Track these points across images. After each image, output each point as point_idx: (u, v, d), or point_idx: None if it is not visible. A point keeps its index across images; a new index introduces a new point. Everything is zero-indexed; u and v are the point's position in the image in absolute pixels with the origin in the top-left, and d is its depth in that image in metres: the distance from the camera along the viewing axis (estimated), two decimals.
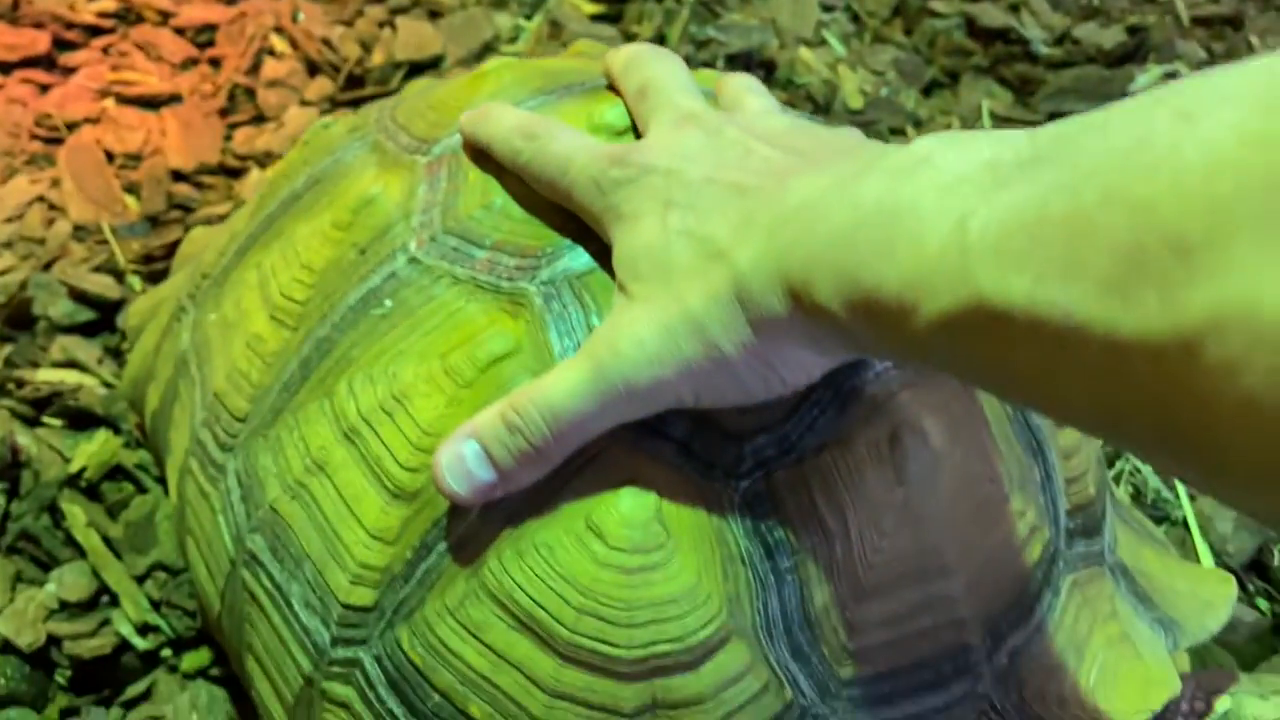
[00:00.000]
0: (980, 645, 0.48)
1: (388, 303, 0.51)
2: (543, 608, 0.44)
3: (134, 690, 0.66)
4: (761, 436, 0.46)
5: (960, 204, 0.32)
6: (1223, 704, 0.59)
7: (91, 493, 0.71)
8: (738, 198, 0.42)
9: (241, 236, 0.63)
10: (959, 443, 0.47)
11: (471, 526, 0.46)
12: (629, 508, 0.44)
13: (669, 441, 0.46)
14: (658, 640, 0.43)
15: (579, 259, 0.49)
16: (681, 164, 0.44)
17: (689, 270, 0.41)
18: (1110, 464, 0.82)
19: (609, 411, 0.43)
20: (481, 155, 0.53)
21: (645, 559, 0.43)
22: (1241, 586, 0.78)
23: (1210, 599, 0.58)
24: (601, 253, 0.48)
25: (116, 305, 0.89)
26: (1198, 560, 0.77)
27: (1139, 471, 0.82)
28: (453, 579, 0.46)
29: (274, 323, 0.55)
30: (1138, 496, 0.81)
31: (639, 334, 0.42)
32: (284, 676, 0.51)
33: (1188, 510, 0.79)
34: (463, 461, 0.43)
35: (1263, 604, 0.77)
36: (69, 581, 0.66)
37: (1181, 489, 0.80)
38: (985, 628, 0.48)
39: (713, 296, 0.40)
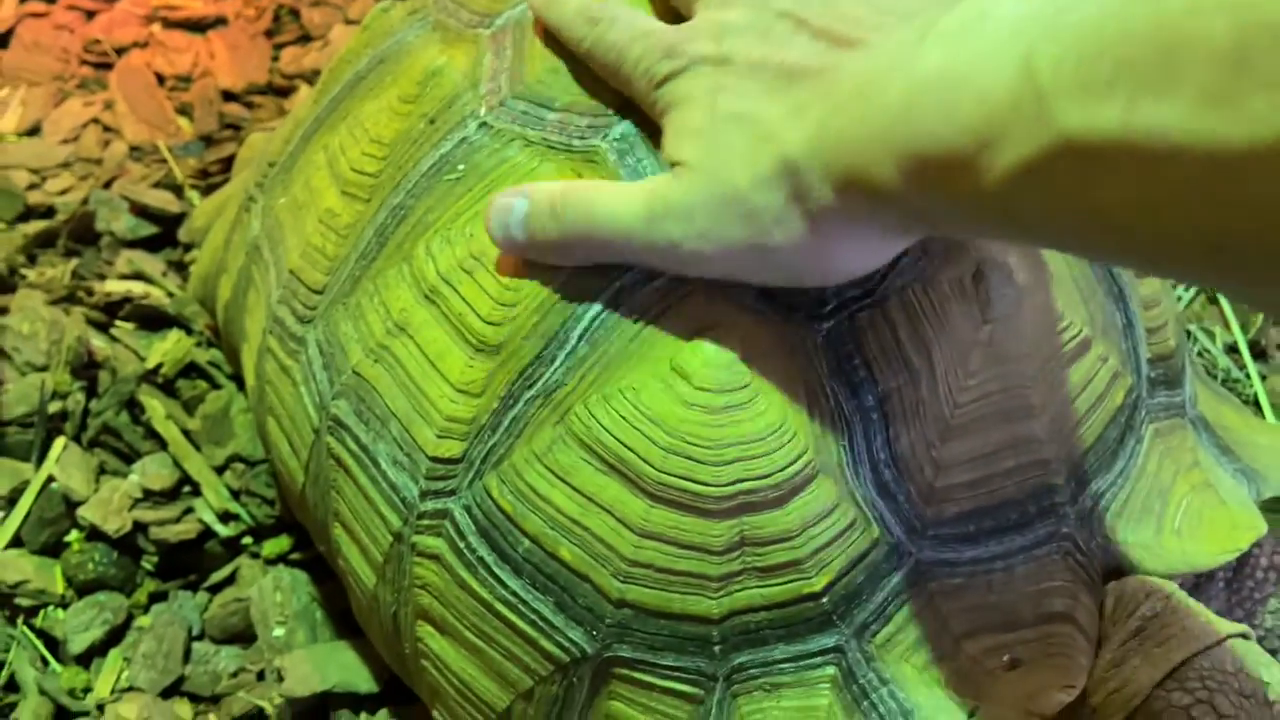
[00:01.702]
0: (1064, 487, 0.48)
1: (461, 167, 0.51)
2: (630, 449, 0.44)
3: (219, 575, 0.67)
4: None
5: (1023, 44, 0.30)
6: None
7: (168, 389, 0.73)
8: (787, 82, 0.41)
9: (307, 122, 0.63)
10: (1042, 282, 0.47)
11: (556, 375, 0.46)
12: (713, 349, 0.44)
13: (749, 286, 0.46)
14: (745, 477, 0.44)
15: None
16: (729, 49, 0.43)
17: (739, 151, 0.41)
18: None
19: (640, 254, 0.44)
20: (550, 36, 0.53)
21: (730, 398, 0.44)
22: None
23: None
24: None
25: (177, 219, 0.90)
26: None
27: (1208, 351, 0.81)
28: (539, 426, 0.46)
29: (346, 197, 0.56)
30: (1209, 375, 0.80)
31: (690, 202, 0.42)
32: (372, 537, 0.52)
33: (1258, 388, 0.78)
34: (509, 211, 0.46)
35: None
36: (151, 471, 0.68)
37: (1253, 366, 0.79)
38: (1069, 470, 0.48)
39: (761, 178, 0.40)
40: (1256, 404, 0.78)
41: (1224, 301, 0.84)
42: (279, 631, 0.64)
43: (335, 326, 0.53)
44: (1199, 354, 0.81)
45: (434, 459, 0.49)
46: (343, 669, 0.62)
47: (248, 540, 0.69)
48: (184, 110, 1.04)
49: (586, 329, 0.46)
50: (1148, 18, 0.27)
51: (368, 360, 0.51)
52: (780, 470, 0.44)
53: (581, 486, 0.45)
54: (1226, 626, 0.46)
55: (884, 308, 0.45)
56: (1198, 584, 0.60)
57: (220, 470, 0.70)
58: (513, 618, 0.47)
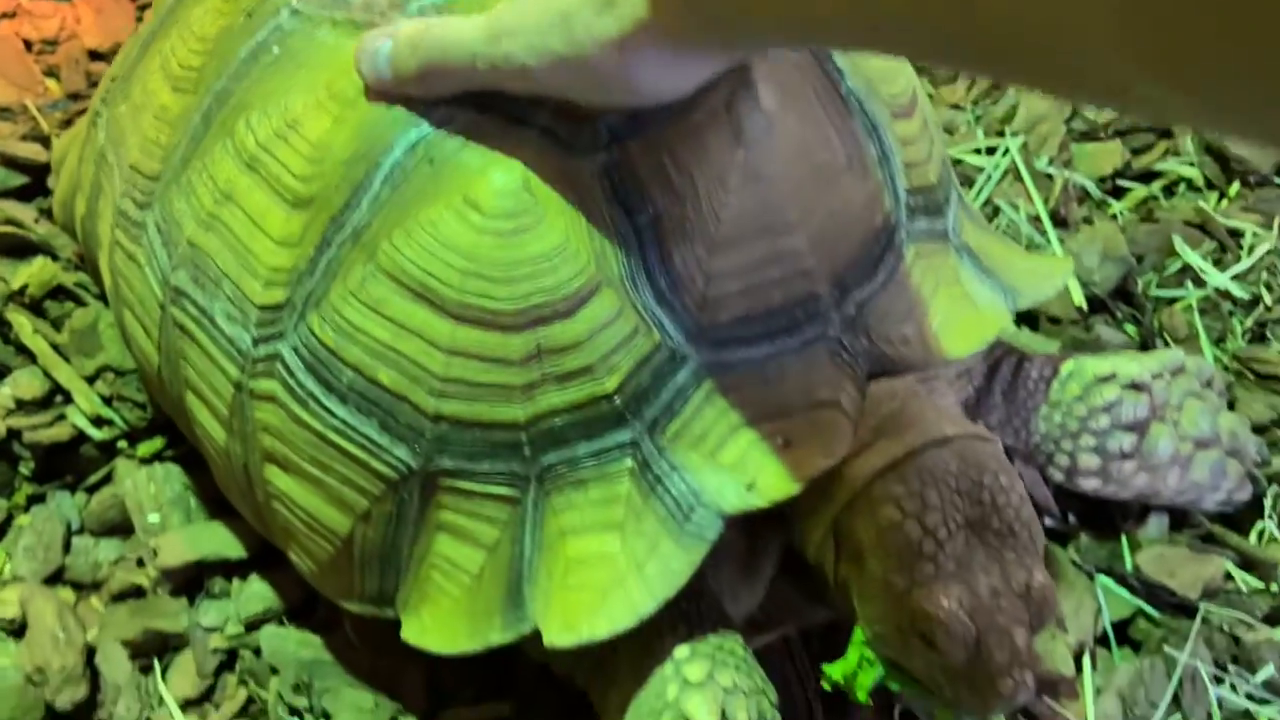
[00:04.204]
0: (828, 295, 0.54)
1: (275, 50, 0.56)
2: (433, 276, 0.50)
3: (96, 476, 0.71)
4: (614, 114, 0.51)
5: None
6: (1067, 367, 0.67)
7: (36, 310, 0.76)
8: None
9: (144, 36, 0.67)
10: (793, 110, 0.53)
11: (363, 217, 0.51)
12: (500, 181, 0.50)
13: (532, 128, 0.51)
14: (535, 292, 0.49)
15: None
16: None
17: None
18: (992, 218, 0.89)
19: (486, 75, 0.49)
20: None
21: (518, 223, 0.49)
22: (1109, 313, 0.85)
23: (1048, 273, 0.65)
24: None
25: (47, 168, 0.93)
26: (1072, 299, 0.84)
27: (1014, 223, 0.88)
28: (352, 265, 0.51)
29: (176, 92, 0.60)
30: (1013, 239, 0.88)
31: (523, 20, 0.47)
32: (217, 393, 0.57)
33: (1056, 248, 0.86)
34: (376, 54, 0.51)
35: (1130, 328, 0.85)
36: (23, 383, 0.72)
37: (1053, 233, 0.87)
38: (831, 280, 0.54)
39: None
40: None
41: (1027, 177, 0.92)
42: (154, 517, 0.68)
43: (170, 205, 0.58)
44: (1008, 226, 0.88)
45: (262, 307, 0.53)
46: (214, 541, 0.66)
47: (123, 444, 0.73)
48: (52, 72, 1.07)
49: (388, 174, 0.51)
50: None
51: (200, 230, 0.56)
52: (566, 284, 0.50)
53: (393, 315, 0.51)
54: (960, 428, 0.53)
55: (651, 138, 0.51)
56: (979, 399, 0.67)
57: (91, 380, 0.73)
58: (344, 444, 0.52)
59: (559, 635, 0.50)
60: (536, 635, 0.51)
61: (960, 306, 0.58)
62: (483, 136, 0.51)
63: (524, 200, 0.49)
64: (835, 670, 0.53)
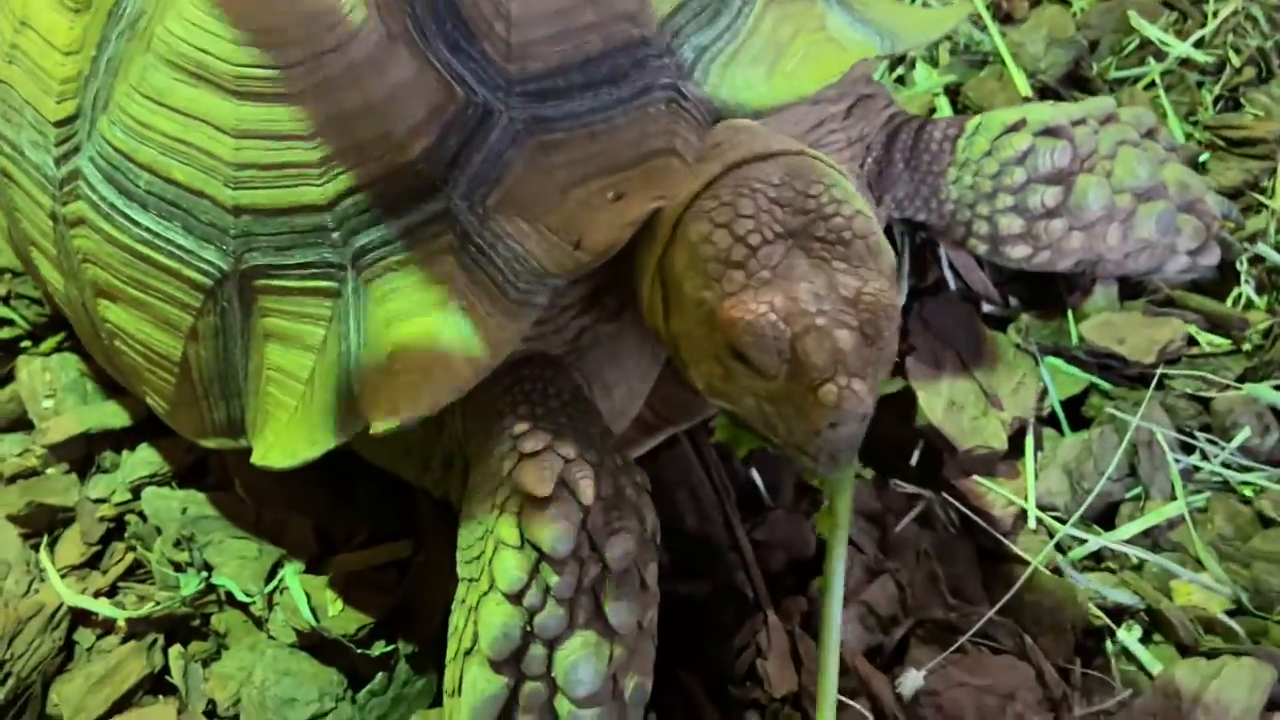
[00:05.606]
0: (656, 40, 0.49)
1: None
2: (208, 53, 0.46)
3: None
4: None
5: None
6: (973, 122, 0.60)
7: None
8: None
9: None
10: None
11: (137, 6, 0.48)
12: None
13: None
14: (316, 52, 0.46)
15: None
16: None
17: None
18: None
19: None
20: None
21: None
22: (1060, 99, 0.78)
23: (938, 19, 0.59)
24: None
25: None
26: (1017, 91, 0.77)
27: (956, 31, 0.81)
28: (131, 59, 0.48)
29: None
30: (955, 48, 0.81)
31: None
32: (43, 233, 0.54)
33: (999, 44, 0.79)
34: None
35: None
36: None
37: (992, 25, 0.80)
38: (659, 24, 0.49)
39: None
40: (1002, 61, 0.79)
41: None
42: (48, 403, 0.66)
43: None
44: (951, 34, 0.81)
45: (57, 123, 0.51)
46: (100, 415, 0.64)
47: (26, 344, 0.72)
48: None
49: None
50: None
51: (4, 63, 0.54)
52: (350, 41, 0.46)
53: (177, 105, 0.47)
54: (792, 146, 0.47)
55: None
56: (881, 171, 0.61)
57: None
58: (154, 255, 0.49)
59: (383, 421, 0.46)
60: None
61: (821, 48, 0.53)
62: None
63: None
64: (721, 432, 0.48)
